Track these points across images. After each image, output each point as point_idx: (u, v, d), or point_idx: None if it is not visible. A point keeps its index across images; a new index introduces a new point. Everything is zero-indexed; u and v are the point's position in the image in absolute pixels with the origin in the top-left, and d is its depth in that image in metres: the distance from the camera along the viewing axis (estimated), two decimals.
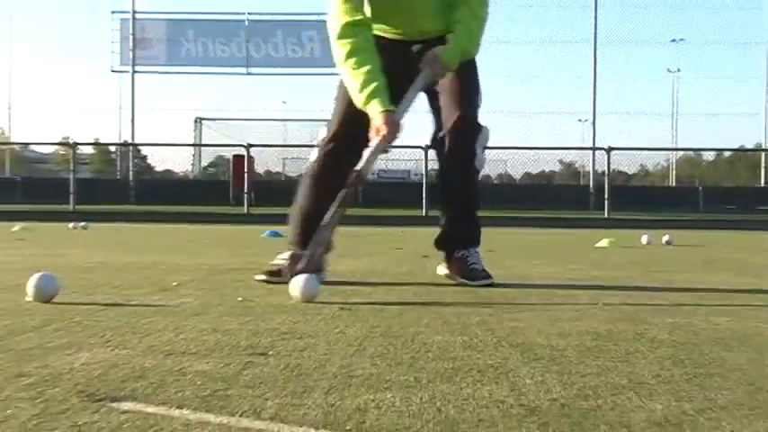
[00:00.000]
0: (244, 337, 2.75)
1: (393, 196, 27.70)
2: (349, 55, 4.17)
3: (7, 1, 44.28)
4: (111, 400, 1.87)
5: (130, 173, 34.58)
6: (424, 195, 21.23)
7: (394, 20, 4.51)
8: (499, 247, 9.42)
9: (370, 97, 4.10)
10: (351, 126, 4.45)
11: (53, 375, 2.13)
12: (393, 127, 4.10)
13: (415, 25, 4.52)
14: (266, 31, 36.09)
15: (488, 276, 4.59)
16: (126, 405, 1.83)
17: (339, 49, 4.23)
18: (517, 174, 42.71)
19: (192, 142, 37.72)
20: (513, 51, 47.39)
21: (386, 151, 4.22)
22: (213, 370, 2.20)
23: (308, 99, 70.87)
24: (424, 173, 22.76)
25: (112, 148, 45.11)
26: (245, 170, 22.81)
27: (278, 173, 40.62)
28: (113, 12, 35.57)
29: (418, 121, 5.26)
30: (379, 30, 4.54)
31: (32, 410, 1.78)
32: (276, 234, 10.80)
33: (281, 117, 41.32)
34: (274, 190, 28.12)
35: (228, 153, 35.75)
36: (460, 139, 4.53)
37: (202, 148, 38.95)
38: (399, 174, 39.37)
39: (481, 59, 4.69)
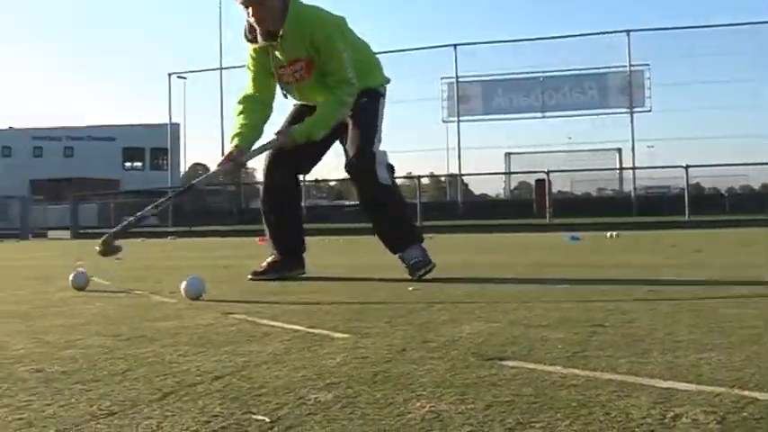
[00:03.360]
0: (581, 312, 2.72)
1: (661, 204, 26.70)
2: (239, 112, 4.39)
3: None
4: (499, 359, 1.89)
5: (458, 196, 35.03)
6: (686, 205, 20.34)
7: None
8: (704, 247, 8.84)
9: (234, 137, 4.33)
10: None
11: (449, 341, 2.18)
12: (235, 159, 4.26)
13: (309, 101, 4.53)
14: (556, 83, 35.64)
15: (428, 264, 4.28)
16: (510, 363, 1.84)
17: (236, 108, 4.46)
18: (757, 185, 40.06)
19: (503, 171, 37.93)
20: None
21: (226, 174, 4.54)
22: (567, 337, 2.19)
23: (588, 134, 69.10)
24: (685, 186, 21.80)
25: (443, 179, 45.88)
26: (546, 190, 22.66)
27: (568, 192, 39.95)
28: (442, 78, 36.01)
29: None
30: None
31: (444, 366, 1.83)
32: (575, 239, 10.61)
33: (567, 149, 40.54)
34: (566, 205, 27.79)
35: (528, 178, 35.77)
36: (358, 166, 4.36)
37: (511, 175, 39.17)
38: (661, 187, 37.50)
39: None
